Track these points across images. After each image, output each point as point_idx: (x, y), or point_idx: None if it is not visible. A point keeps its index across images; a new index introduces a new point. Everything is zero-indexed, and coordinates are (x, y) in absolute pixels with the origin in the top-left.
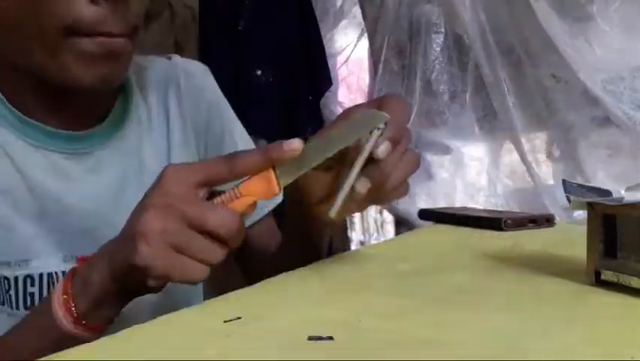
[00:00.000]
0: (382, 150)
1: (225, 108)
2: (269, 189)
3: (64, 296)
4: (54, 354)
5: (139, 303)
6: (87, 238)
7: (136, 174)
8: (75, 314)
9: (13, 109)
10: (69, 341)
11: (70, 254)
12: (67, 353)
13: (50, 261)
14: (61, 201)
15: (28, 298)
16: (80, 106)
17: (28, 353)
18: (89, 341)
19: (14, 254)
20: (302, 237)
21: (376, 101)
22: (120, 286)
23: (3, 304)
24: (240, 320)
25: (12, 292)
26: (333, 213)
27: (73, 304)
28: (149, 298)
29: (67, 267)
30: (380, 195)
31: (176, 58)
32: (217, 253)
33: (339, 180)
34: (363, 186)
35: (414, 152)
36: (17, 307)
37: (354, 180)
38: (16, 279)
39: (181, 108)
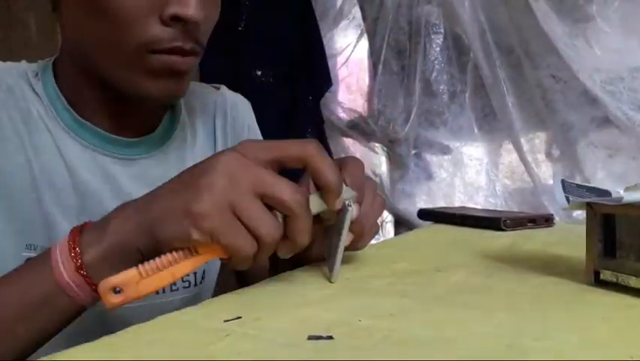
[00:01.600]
0: (353, 212)
1: None
2: None
3: (70, 242)
4: (55, 354)
5: (168, 300)
6: None
7: None
8: (78, 262)
9: (71, 109)
10: (57, 298)
11: None
12: (67, 354)
13: None
14: (103, 203)
15: None
16: (134, 115)
17: (9, 305)
18: (77, 305)
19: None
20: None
21: (336, 162)
22: (144, 239)
23: None
24: (239, 319)
25: None
26: (334, 279)
27: (78, 251)
28: (178, 296)
29: None
30: (359, 241)
31: (224, 89)
32: (274, 227)
33: (326, 244)
34: (347, 240)
35: (379, 197)
36: None
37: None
38: None
39: (225, 137)
